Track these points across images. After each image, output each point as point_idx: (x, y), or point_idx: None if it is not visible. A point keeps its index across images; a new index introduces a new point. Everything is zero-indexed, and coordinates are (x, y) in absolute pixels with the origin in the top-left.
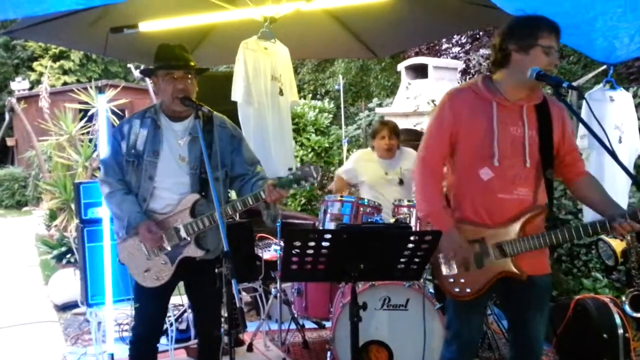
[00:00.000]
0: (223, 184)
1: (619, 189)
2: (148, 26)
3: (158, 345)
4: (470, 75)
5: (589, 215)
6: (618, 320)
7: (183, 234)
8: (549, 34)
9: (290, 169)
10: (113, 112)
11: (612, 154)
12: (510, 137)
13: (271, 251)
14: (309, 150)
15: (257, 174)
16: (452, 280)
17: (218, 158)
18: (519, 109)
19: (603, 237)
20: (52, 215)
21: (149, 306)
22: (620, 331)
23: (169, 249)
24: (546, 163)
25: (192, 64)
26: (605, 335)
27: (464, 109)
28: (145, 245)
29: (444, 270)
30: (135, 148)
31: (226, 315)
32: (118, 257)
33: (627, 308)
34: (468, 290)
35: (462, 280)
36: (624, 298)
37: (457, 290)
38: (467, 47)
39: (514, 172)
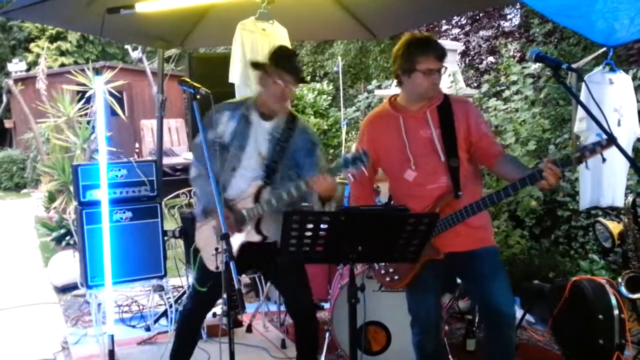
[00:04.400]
0: (294, 182)
1: (617, 172)
2: (145, 7)
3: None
4: (470, 57)
5: (586, 199)
6: (614, 302)
7: (246, 219)
8: (425, 57)
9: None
10: (111, 94)
11: (611, 137)
12: (422, 140)
13: None
14: None
15: None
16: (383, 271)
17: (290, 156)
18: (424, 115)
19: (600, 219)
20: (51, 198)
21: (209, 292)
22: (616, 312)
23: (238, 233)
24: (449, 153)
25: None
26: (600, 317)
27: (379, 131)
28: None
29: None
30: (222, 138)
31: (225, 296)
32: (195, 244)
33: (623, 289)
34: (397, 277)
35: (391, 270)
36: (620, 279)
37: (388, 279)
38: (467, 28)
39: (432, 167)
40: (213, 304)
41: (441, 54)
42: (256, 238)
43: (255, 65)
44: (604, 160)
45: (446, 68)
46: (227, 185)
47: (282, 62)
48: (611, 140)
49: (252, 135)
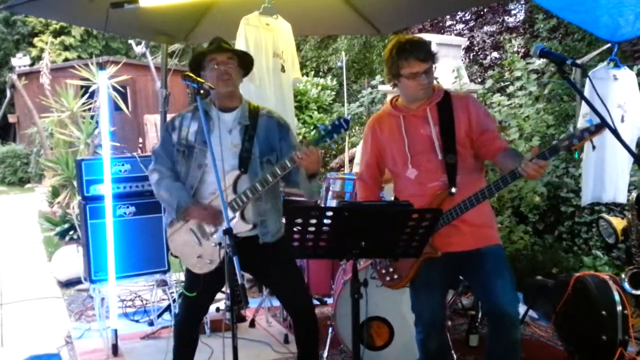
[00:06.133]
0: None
1: (620, 168)
2: (148, 1)
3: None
4: (474, 53)
5: (588, 195)
6: (617, 298)
7: (230, 213)
8: (407, 62)
9: (319, 126)
10: (114, 89)
11: (615, 133)
12: (421, 138)
13: None
14: (312, 127)
15: None
16: (384, 271)
17: (263, 142)
18: (424, 112)
19: (604, 215)
20: (55, 192)
21: (199, 297)
22: (619, 308)
23: (220, 229)
24: (447, 150)
25: (228, 46)
26: (604, 313)
27: (382, 130)
28: (195, 230)
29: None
30: (187, 139)
31: (228, 291)
32: (170, 251)
33: (627, 285)
34: (396, 277)
35: (392, 270)
36: (623, 275)
37: (388, 279)
38: (471, 24)
39: (433, 165)
40: (205, 309)
41: (424, 55)
42: (246, 227)
43: (192, 72)
44: (593, 147)
45: (436, 67)
46: (196, 184)
47: (209, 46)
48: (603, 125)
49: (214, 129)
